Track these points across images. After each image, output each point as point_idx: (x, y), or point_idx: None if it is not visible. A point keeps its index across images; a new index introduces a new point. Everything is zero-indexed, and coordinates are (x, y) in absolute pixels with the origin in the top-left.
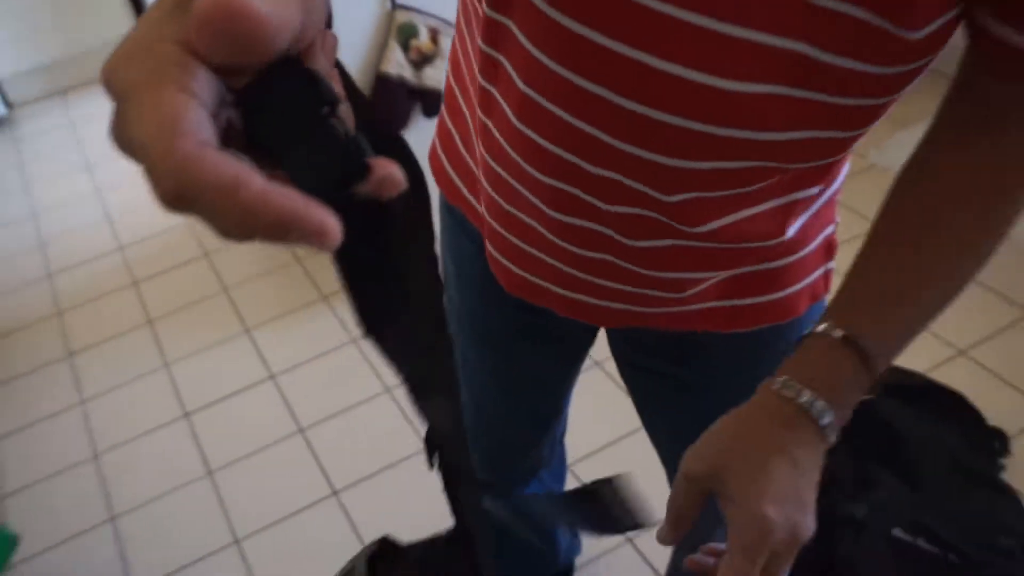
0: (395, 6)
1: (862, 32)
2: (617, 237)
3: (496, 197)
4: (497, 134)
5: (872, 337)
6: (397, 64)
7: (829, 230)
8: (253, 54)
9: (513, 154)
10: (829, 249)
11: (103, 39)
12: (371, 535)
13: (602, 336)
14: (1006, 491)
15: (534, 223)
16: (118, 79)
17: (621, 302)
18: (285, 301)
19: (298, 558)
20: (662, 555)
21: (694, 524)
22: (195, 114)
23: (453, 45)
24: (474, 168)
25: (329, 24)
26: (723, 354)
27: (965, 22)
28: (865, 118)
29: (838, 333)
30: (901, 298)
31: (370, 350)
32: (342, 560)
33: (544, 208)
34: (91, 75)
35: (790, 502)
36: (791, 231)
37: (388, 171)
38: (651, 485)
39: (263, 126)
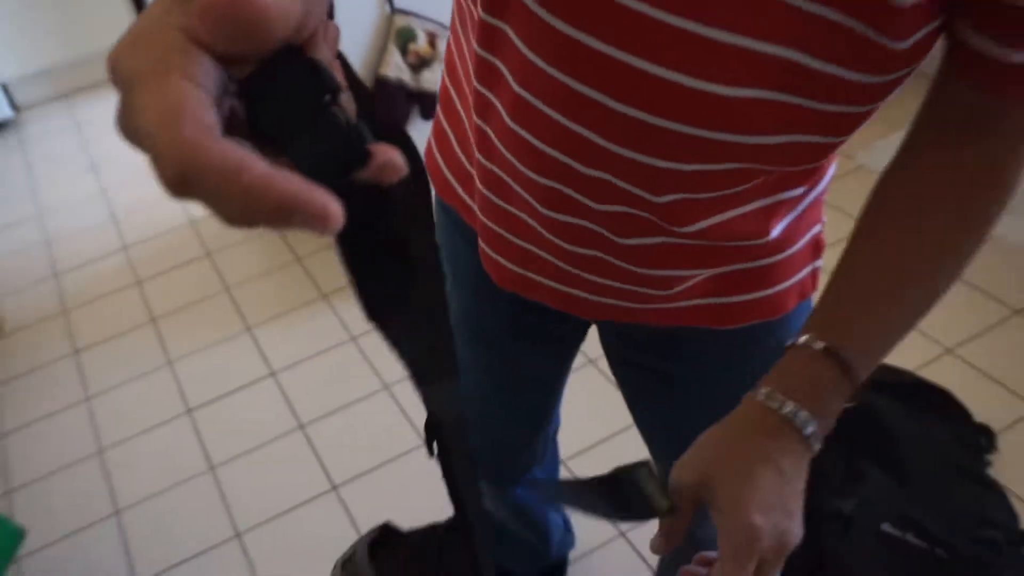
0: (394, 10)
1: (850, 40)
2: (608, 235)
3: (490, 195)
4: (492, 134)
5: (853, 348)
6: (396, 67)
7: (816, 229)
8: (255, 42)
9: (507, 154)
10: (816, 248)
11: (107, 43)
12: (370, 529)
13: (595, 334)
14: (992, 486)
15: (528, 219)
16: (123, 67)
17: (612, 297)
18: (286, 300)
19: (298, 552)
20: None
21: (687, 533)
22: (198, 101)
23: (448, 47)
24: (469, 167)
25: (330, 15)
26: (713, 350)
27: (945, 33)
28: (850, 124)
29: (819, 345)
30: (881, 305)
31: (369, 348)
32: (341, 554)
33: (537, 206)
34: (95, 78)
35: (776, 510)
36: (777, 230)
37: (389, 156)
38: None
39: (266, 114)
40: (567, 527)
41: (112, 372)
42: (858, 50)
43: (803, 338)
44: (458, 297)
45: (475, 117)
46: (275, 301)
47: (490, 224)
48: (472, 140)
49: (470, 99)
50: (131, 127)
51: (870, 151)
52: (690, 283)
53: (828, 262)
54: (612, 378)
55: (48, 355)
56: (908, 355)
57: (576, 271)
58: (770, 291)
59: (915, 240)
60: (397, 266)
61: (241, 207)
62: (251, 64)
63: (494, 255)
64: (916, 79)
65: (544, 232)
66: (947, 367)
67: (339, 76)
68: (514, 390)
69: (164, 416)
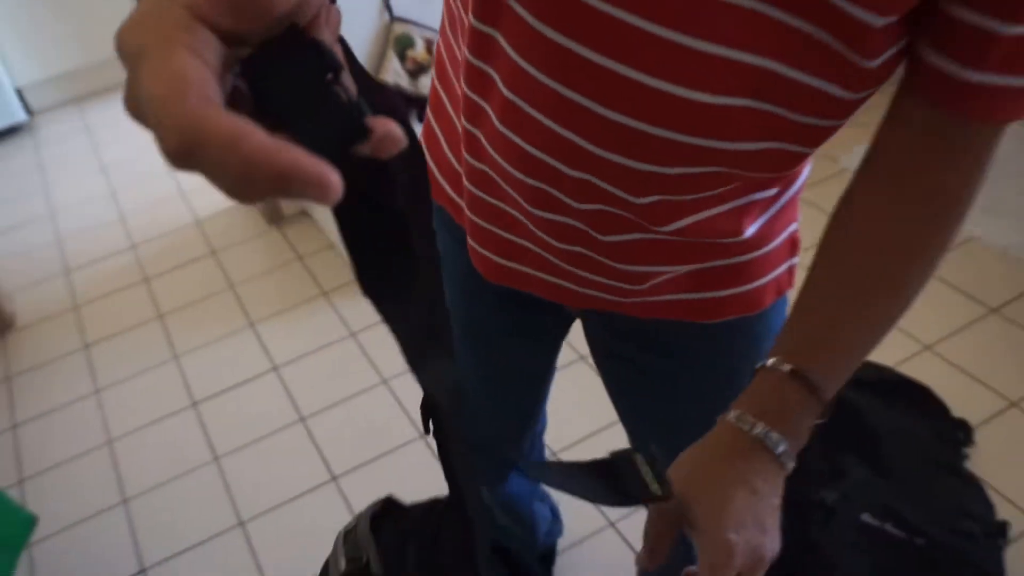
0: (393, 18)
1: (824, 54)
2: (591, 232)
3: (478, 192)
4: (481, 138)
5: (820, 371)
6: (394, 73)
7: (792, 228)
8: (258, 18)
9: (496, 156)
10: (793, 246)
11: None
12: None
13: (583, 330)
14: (969, 479)
15: (517, 215)
16: (129, 43)
17: (596, 290)
18: (288, 297)
19: (299, 540)
20: None
21: (670, 551)
22: (201, 74)
23: (438, 49)
24: (457, 167)
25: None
26: (694, 344)
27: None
28: (820, 136)
29: (787, 368)
30: (840, 333)
31: (368, 343)
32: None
33: (524, 204)
34: (106, 83)
35: (750, 527)
36: (752, 229)
37: (388, 128)
38: None
39: (268, 91)
40: (555, 516)
41: (120, 366)
42: (832, 64)
43: (771, 361)
44: (447, 294)
45: (465, 121)
46: (277, 298)
47: (478, 221)
48: (461, 142)
49: (460, 101)
50: (136, 101)
51: (853, 155)
52: (667, 277)
53: (808, 260)
54: None
55: (59, 349)
56: (889, 352)
57: (563, 264)
58: (748, 287)
59: (875, 265)
60: (395, 242)
61: (240, 176)
62: (254, 44)
63: (482, 250)
64: (892, 86)
65: (533, 228)
66: (926, 364)
67: (341, 56)
68: (502, 385)
69: (170, 408)
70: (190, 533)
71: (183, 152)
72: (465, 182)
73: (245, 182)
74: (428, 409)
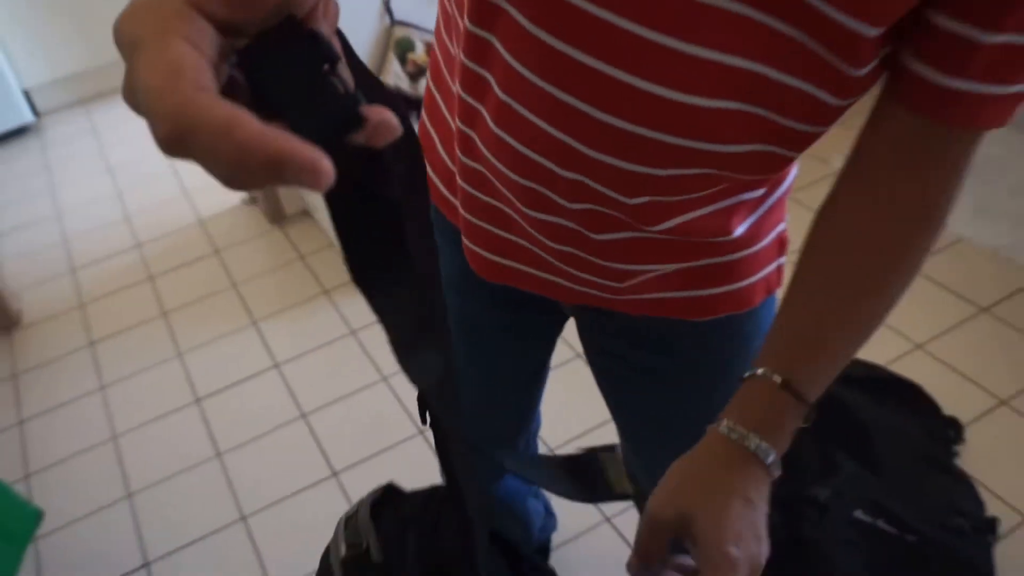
0: (394, 22)
1: (813, 60)
2: (582, 231)
3: (472, 191)
4: (476, 139)
5: (805, 378)
6: (395, 76)
7: (780, 227)
8: (254, 8)
9: (490, 156)
10: (781, 245)
11: None
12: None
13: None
14: (960, 476)
15: (511, 213)
16: (126, 33)
17: (588, 287)
18: (289, 296)
19: (300, 534)
20: None
21: (663, 562)
22: (196, 62)
23: (433, 51)
24: (451, 166)
25: None
26: (684, 341)
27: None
28: (806, 141)
29: (776, 378)
30: (826, 334)
31: (368, 341)
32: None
33: (517, 203)
34: (113, 85)
35: (748, 538)
36: (740, 229)
37: (383, 116)
38: None
39: (265, 81)
40: (548, 511)
41: (125, 363)
42: (821, 70)
43: (759, 370)
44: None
45: (460, 122)
46: (279, 297)
47: (472, 219)
48: (455, 142)
49: (455, 104)
50: (132, 89)
51: (843, 158)
52: (657, 274)
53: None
54: None
55: (65, 346)
56: (880, 351)
57: (556, 262)
58: (737, 285)
59: (858, 266)
60: (387, 231)
61: (233, 162)
62: (251, 34)
63: (476, 248)
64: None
65: (527, 227)
66: (918, 362)
67: (338, 48)
68: (496, 384)
69: (174, 405)
70: (193, 527)
71: (176, 138)
72: (459, 181)
73: (238, 168)
74: (425, 401)
